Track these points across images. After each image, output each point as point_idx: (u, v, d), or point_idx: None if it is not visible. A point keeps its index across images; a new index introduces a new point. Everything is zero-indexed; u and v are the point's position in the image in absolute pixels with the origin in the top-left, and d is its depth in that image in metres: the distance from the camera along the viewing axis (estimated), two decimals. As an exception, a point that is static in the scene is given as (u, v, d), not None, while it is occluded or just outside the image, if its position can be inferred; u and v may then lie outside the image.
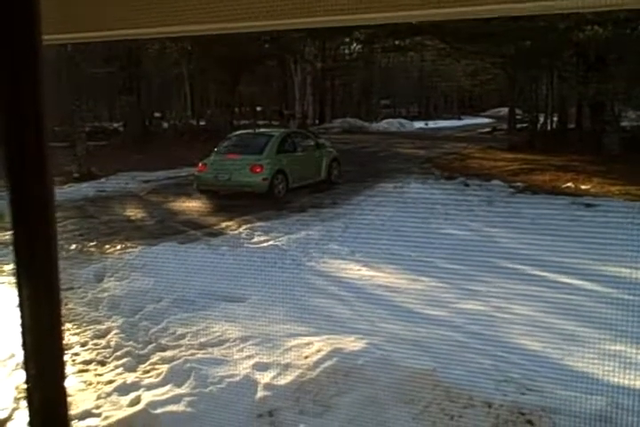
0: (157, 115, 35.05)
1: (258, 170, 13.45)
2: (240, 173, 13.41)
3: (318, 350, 5.12)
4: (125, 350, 5.72)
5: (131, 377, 5.14)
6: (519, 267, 7.48)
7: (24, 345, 0.75)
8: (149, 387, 4.86)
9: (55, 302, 0.75)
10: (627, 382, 4.37)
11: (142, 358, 5.57)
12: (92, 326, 6.36)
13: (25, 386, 0.77)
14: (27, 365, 0.75)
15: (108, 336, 6.05)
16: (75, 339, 6.08)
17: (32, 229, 0.73)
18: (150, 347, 5.78)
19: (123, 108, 27.83)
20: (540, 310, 6.05)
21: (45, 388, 0.76)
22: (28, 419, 0.77)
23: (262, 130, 17.19)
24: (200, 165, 14.12)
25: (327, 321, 6.03)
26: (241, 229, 10.42)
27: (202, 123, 32.93)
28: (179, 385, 4.79)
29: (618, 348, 4.91)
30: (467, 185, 13.68)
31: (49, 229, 0.73)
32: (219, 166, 13.69)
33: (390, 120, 37.85)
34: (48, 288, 0.74)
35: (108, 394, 4.83)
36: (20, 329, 0.75)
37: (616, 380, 4.47)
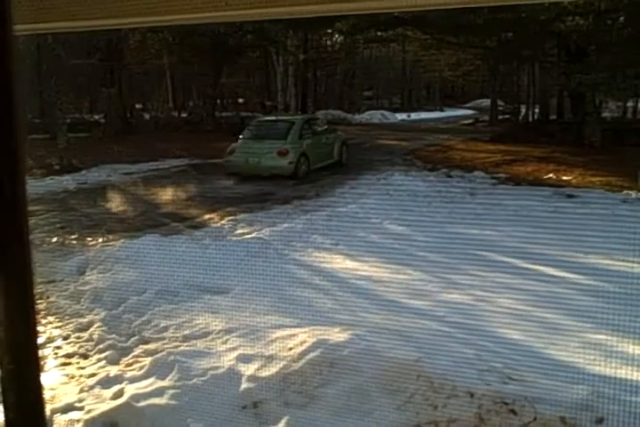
0: (139, 106, 34.83)
1: (284, 154, 14.53)
2: (268, 157, 14.58)
3: (303, 342, 5.12)
4: (108, 342, 5.68)
5: (114, 370, 5.12)
6: (502, 258, 7.51)
7: None
8: (132, 380, 4.84)
9: (29, 297, 0.74)
10: (609, 371, 4.41)
11: (125, 351, 5.54)
12: (74, 319, 6.31)
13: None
14: (2, 361, 0.74)
15: (91, 329, 6.01)
16: (57, 332, 6.04)
17: (3, 223, 0.72)
18: (133, 340, 5.75)
19: (104, 100, 27.61)
20: (522, 301, 6.08)
21: (21, 384, 0.75)
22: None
23: (282, 117, 18.24)
24: (229, 149, 15.28)
25: (311, 312, 6.03)
26: (224, 222, 10.38)
27: (183, 115, 32.77)
28: (162, 378, 4.78)
29: (600, 337, 4.95)
30: (449, 176, 13.73)
31: (21, 223, 0.72)
32: (248, 151, 14.84)
33: (373, 112, 37.92)
34: (22, 283, 0.73)
35: (91, 387, 4.80)
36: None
37: (598, 369, 4.51)
